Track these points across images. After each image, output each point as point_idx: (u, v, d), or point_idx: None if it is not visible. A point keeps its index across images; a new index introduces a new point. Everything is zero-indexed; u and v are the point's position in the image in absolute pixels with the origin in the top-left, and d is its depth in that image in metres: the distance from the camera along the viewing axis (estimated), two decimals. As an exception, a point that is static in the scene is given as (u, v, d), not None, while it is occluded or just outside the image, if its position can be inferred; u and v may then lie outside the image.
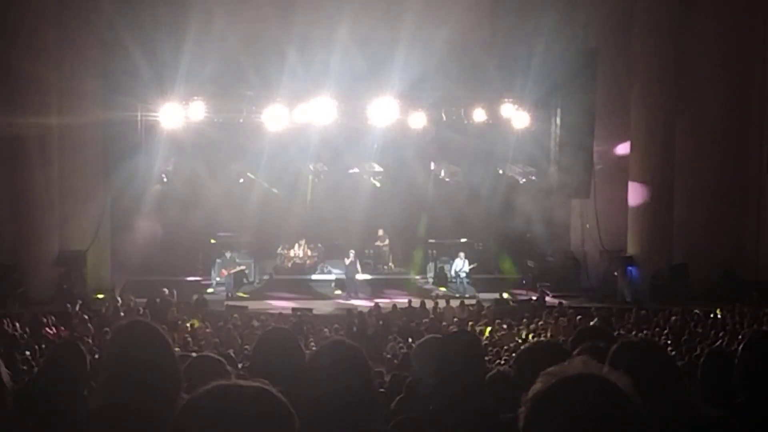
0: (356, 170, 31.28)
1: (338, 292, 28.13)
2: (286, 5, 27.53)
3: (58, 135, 26.32)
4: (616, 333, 20.54)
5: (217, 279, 28.34)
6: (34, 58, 25.70)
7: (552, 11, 27.82)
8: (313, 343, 18.12)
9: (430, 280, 29.42)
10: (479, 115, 29.38)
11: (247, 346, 18.55)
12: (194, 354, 7.67)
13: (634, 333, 21.55)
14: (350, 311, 24.80)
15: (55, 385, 5.99)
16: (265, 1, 27.58)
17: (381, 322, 23.73)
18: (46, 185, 26.22)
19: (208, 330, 22.64)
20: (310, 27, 27.44)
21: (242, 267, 28.58)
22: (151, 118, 27.99)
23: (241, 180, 29.73)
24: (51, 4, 25.93)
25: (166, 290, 26.21)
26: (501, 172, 30.92)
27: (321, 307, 25.65)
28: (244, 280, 28.29)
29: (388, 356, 19.57)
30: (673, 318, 22.97)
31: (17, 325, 21.30)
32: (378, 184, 30.70)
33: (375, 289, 28.32)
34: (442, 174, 30.64)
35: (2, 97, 25.80)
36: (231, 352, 16.53)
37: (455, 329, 21.56)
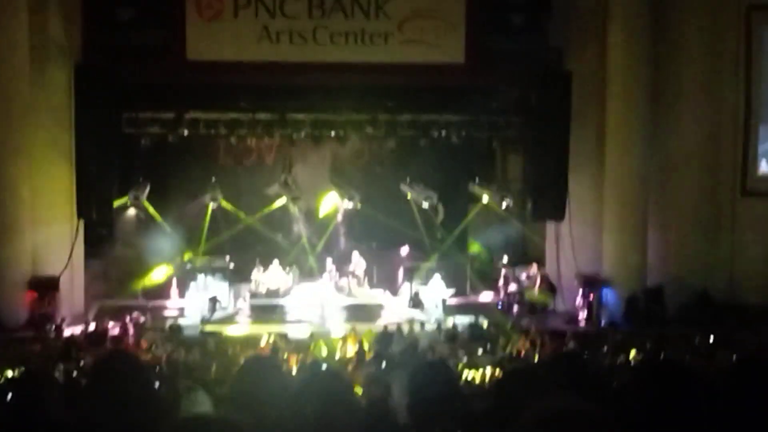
0: (330, 192, 31.36)
1: (314, 316, 27.95)
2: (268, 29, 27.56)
3: (29, 159, 26.17)
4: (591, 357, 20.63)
5: (191, 304, 28.15)
6: (4, 84, 25.60)
7: (526, 35, 27.94)
8: (289, 369, 18.03)
9: (406, 304, 29.29)
10: (453, 138, 29.45)
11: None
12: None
13: (610, 357, 21.63)
14: (325, 336, 24.68)
15: (24, 415, 5.89)
16: (244, 30, 27.59)
17: (357, 347, 23.63)
18: (17, 209, 26.03)
19: (182, 354, 22.51)
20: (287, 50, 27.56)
21: (214, 292, 28.35)
22: (125, 137, 28.24)
23: (214, 204, 29.66)
24: (22, 28, 25.81)
25: (140, 315, 26.09)
26: (474, 194, 30.94)
27: (296, 332, 25.50)
28: (218, 306, 28.09)
29: (364, 381, 19.44)
30: (648, 342, 23.03)
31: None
32: (352, 206, 30.66)
33: (350, 313, 28.18)
34: (416, 196, 30.62)
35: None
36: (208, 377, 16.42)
37: (430, 356, 21.56)
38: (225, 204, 30.04)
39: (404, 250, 31.01)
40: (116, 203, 28.35)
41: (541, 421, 2.59)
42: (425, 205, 30.36)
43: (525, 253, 31.63)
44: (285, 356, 21.91)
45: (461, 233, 31.58)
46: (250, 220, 30.52)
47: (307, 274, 30.24)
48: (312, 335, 24.95)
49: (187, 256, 29.55)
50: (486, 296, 30.32)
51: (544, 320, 27.75)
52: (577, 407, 2.63)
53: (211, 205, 29.68)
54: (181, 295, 28.94)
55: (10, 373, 18.44)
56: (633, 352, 21.89)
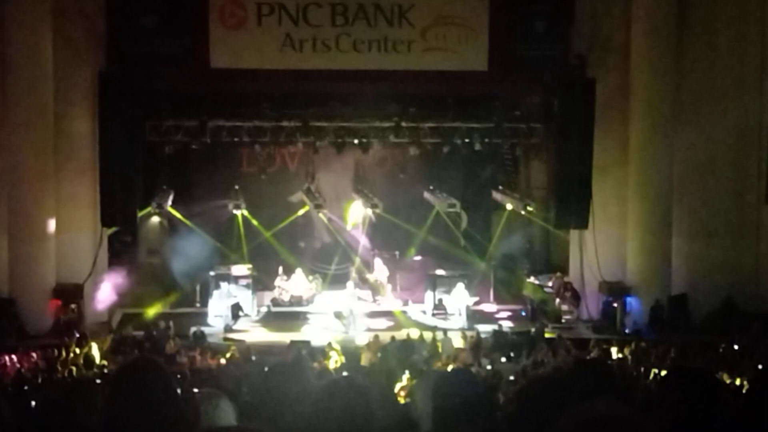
0: (354, 200, 31.40)
1: (336, 324, 27.93)
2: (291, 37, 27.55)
3: (53, 167, 26.31)
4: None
5: (214, 311, 28.15)
6: (29, 92, 25.73)
7: (549, 42, 27.87)
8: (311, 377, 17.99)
9: (429, 312, 29.24)
10: (476, 145, 29.44)
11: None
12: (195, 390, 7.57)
13: (634, 365, 21.55)
14: (348, 344, 24.67)
15: (60, 423, 5.91)
16: (267, 38, 27.60)
17: (379, 355, 23.59)
18: (42, 218, 26.15)
19: (206, 362, 22.55)
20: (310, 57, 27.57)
21: (237, 299, 28.32)
22: (149, 145, 28.39)
23: (239, 211, 29.70)
24: (46, 36, 25.96)
25: (163, 323, 26.12)
26: (498, 202, 30.90)
27: (319, 339, 25.49)
28: (241, 313, 28.11)
29: (386, 389, 19.39)
30: (673, 350, 22.94)
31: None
32: (375, 214, 30.62)
33: (373, 320, 28.17)
34: (439, 204, 30.61)
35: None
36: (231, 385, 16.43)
37: (454, 363, 21.51)
38: (246, 213, 30.12)
39: (419, 258, 31.01)
40: (140, 211, 28.46)
41: (583, 426, 2.57)
42: (446, 210, 30.33)
43: (548, 261, 31.56)
44: (308, 363, 21.90)
45: (485, 241, 31.56)
46: (268, 232, 30.60)
47: (331, 281, 30.27)
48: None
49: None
50: (502, 308, 30.17)
51: (568, 328, 27.65)
52: (619, 412, 2.61)
53: (234, 213, 29.73)
54: (205, 302, 28.92)
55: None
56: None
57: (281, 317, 28.65)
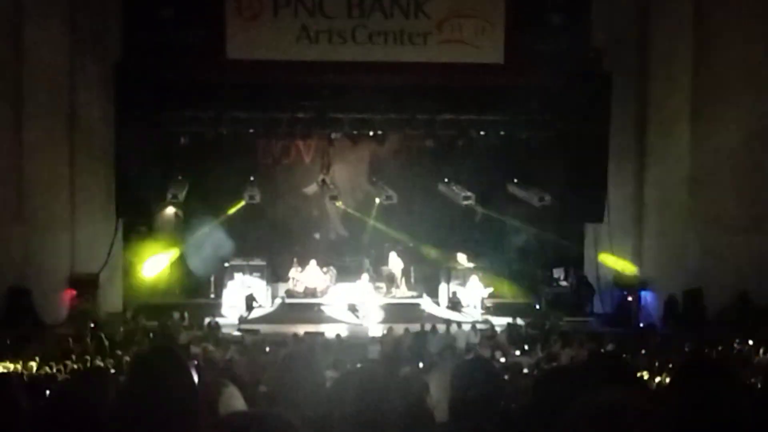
0: (369, 191, 31.38)
1: (350, 315, 27.97)
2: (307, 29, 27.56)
3: (69, 157, 26.37)
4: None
5: (229, 302, 28.22)
6: (45, 82, 25.80)
7: (566, 35, 27.79)
8: (325, 368, 18.01)
9: (443, 304, 29.24)
10: (492, 138, 29.38)
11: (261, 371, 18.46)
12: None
13: (649, 359, 21.49)
14: (362, 335, 24.68)
15: (72, 411, 5.93)
16: (283, 29, 27.60)
17: (393, 346, 23.60)
18: (58, 208, 26.22)
19: (220, 352, 22.57)
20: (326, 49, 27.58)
21: (252, 290, 28.37)
22: (164, 136, 28.41)
23: (254, 201, 29.68)
24: (63, 27, 26.01)
25: (176, 314, 26.19)
26: (514, 195, 30.84)
27: (333, 331, 25.52)
28: (255, 304, 28.14)
29: (400, 381, 19.39)
30: (687, 344, 22.88)
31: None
32: (389, 204, 30.58)
33: (387, 312, 28.17)
34: (454, 196, 30.56)
35: (13, 121, 25.92)
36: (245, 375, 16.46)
37: (468, 356, 21.49)
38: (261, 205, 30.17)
39: (433, 250, 31.02)
40: (155, 202, 28.52)
41: (593, 413, 2.58)
42: (461, 203, 30.30)
43: (563, 254, 31.48)
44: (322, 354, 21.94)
45: (499, 234, 31.52)
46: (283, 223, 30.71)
47: (345, 273, 30.31)
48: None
49: None
50: (516, 301, 30.10)
51: (582, 321, 27.63)
52: (629, 401, 2.61)
53: (249, 204, 29.72)
54: (219, 293, 28.99)
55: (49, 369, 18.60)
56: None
57: (295, 308, 28.68)
